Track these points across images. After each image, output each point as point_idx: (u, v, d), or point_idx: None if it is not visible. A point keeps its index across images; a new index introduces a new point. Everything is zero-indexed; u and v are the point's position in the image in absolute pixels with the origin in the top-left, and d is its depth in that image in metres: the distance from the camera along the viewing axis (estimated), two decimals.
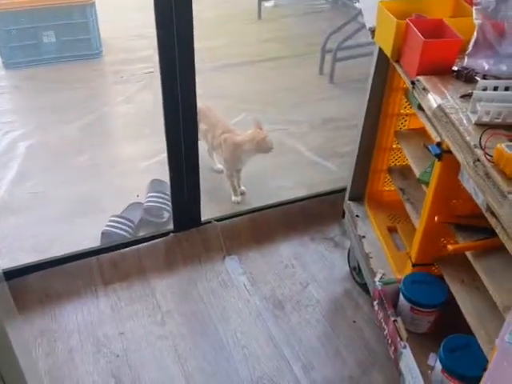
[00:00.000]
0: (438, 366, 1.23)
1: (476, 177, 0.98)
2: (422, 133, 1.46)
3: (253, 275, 1.89)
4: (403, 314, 1.37)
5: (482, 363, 1.01)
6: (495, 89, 1.09)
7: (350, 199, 1.79)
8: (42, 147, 2.60)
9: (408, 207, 1.45)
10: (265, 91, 3.05)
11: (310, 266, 1.92)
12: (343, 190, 1.85)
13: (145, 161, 2.46)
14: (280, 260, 1.95)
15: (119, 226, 2.05)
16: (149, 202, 2.18)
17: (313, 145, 2.59)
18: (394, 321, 1.35)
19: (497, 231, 0.95)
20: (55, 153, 2.55)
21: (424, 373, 1.25)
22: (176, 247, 1.95)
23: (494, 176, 0.93)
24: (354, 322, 1.73)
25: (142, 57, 3.32)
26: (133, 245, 1.93)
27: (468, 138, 1.01)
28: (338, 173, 2.38)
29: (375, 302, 1.47)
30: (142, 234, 2.07)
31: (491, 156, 0.95)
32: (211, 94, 2.75)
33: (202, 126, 2.18)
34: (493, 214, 0.95)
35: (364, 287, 1.77)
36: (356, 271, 1.82)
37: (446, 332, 1.26)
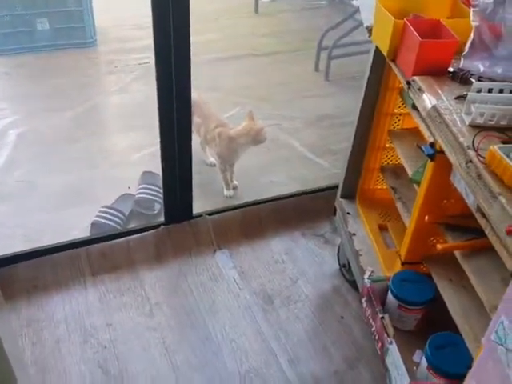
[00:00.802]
0: (424, 362, 1.24)
1: (468, 178, 0.99)
2: (415, 132, 1.47)
3: (243, 269, 1.89)
4: (391, 311, 1.38)
5: (467, 361, 1.03)
6: (490, 91, 1.10)
7: (341, 196, 1.79)
8: (33, 135, 2.57)
9: (399, 206, 1.46)
10: (260, 86, 3.05)
11: (301, 262, 1.93)
12: (335, 187, 1.85)
13: (137, 152, 2.45)
14: (270, 255, 1.95)
15: (109, 217, 2.04)
16: (140, 193, 2.17)
17: (306, 141, 2.59)
18: (382, 318, 1.36)
19: (486, 232, 0.96)
20: (46, 141, 2.52)
21: (410, 369, 1.26)
22: (166, 240, 1.94)
23: (486, 177, 0.94)
24: (342, 318, 1.74)
25: (136, 47, 3.29)
26: (123, 236, 1.92)
27: (461, 139, 1.02)
28: (330, 170, 2.39)
29: (363, 299, 1.48)
30: (132, 225, 2.06)
31: (484, 157, 0.96)
32: (205, 86, 2.73)
33: (195, 119, 2.16)
34: (483, 214, 0.96)
35: (353, 284, 1.78)
36: (345, 268, 1.84)
37: (432, 330, 1.28)
